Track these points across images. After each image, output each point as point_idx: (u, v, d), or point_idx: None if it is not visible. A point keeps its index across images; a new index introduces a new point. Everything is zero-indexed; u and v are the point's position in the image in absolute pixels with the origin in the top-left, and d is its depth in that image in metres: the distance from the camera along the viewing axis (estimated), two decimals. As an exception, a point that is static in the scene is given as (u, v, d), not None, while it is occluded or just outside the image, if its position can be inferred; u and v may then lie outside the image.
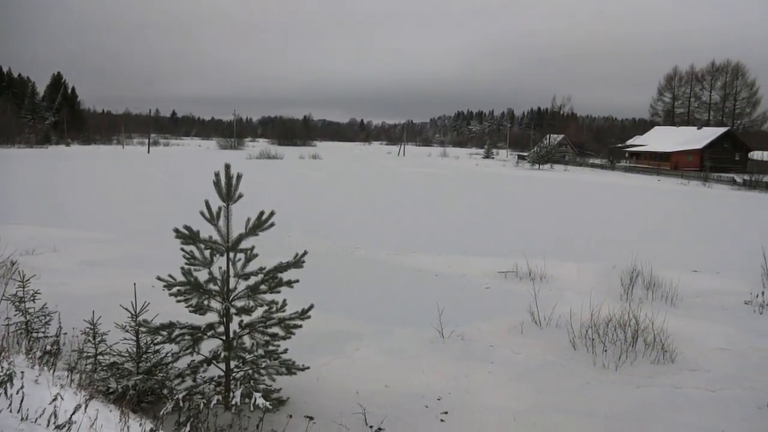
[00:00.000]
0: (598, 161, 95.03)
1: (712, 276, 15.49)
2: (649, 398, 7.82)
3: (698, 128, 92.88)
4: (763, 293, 12.90)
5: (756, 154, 79.78)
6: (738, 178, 61.18)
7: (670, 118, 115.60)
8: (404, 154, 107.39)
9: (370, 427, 6.69)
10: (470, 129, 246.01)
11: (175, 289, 6.49)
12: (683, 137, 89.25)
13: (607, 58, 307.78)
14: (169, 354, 6.87)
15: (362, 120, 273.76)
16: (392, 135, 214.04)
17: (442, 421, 6.98)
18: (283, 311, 6.82)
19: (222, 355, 6.58)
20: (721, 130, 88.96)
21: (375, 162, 77.23)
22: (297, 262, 6.81)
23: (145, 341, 6.84)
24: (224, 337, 6.66)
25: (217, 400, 6.36)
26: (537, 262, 14.89)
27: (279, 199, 28.44)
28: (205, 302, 6.66)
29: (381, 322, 10.61)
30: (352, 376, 8.12)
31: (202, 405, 6.10)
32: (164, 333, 6.53)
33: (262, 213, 6.64)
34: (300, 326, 6.88)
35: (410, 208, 29.00)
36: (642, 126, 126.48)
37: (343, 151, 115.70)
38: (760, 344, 10.02)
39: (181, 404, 6.14)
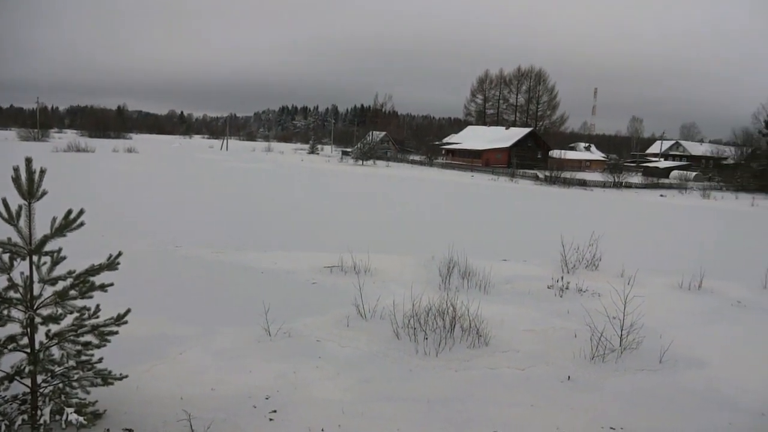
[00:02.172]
0: (417, 158, 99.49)
1: (519, 264, 16.89)
2: (468, 380, 8.35)
3: (506, 128, 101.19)
4: (562, 278, 14.34)
5: (555, 153, 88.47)
6: (540, 174, 67.34)
7: (482, 119, 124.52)
8: (227, 149, 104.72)
9: (196, 432, 6.46)
10: (295, 124, 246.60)
11: (-34, 299, 5.79)
12: (493, 136, 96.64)
13: (426, 59, 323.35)
14: (-39, 372, 6.13)
15: (182, 112, 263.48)
16: (214, 128, 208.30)
17: (271, 420, 6.92)
18: (97, 317, 6.34)
19: (27, 369, 5.99)
20: (526, 130, 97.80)
21: (196, 156, 74.46)
22: (111, 264, 6.37)
23: (-71, 360, 6.04)
24: (29, 350, 6.06)
25: (23, 420, 5.78)
26: (361, 256, 15.26)
27: (91, 196, 26.41)
28: (5, 312, 6.00)
29: (206, 323, 10.27)
30: (176, 382, 7.78)
31: (3, 427, 5.52)
32: (-46, 349, 5.80)
33: (69, 211, 6.11)
34: (116, 332, 6.45)
35: (233, 205, 28.34)
36: (457, 125, 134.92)
37: (162, 144, 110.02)
38: (560, 324, 11.11)
39: (-23, 427, 5.52)
